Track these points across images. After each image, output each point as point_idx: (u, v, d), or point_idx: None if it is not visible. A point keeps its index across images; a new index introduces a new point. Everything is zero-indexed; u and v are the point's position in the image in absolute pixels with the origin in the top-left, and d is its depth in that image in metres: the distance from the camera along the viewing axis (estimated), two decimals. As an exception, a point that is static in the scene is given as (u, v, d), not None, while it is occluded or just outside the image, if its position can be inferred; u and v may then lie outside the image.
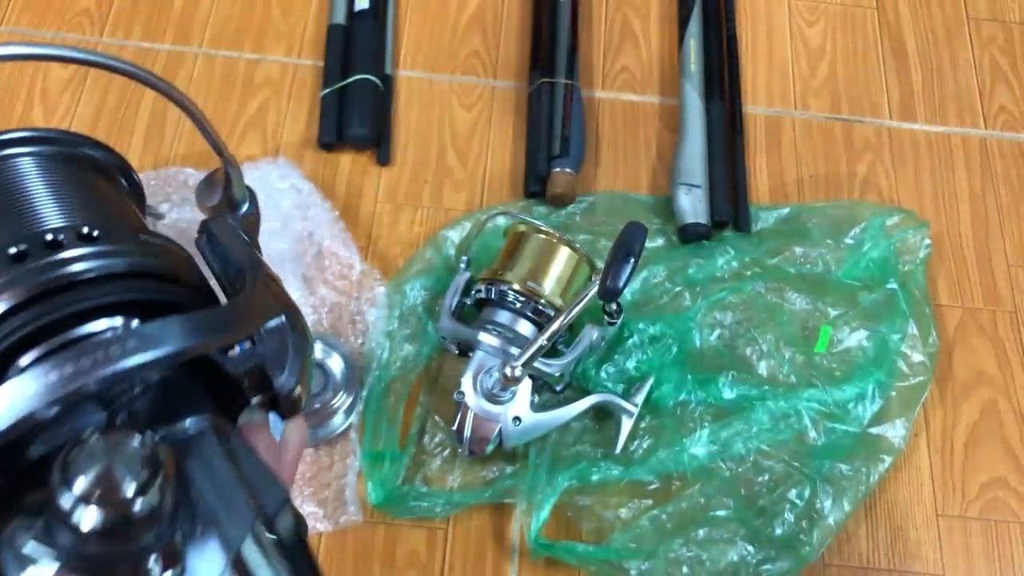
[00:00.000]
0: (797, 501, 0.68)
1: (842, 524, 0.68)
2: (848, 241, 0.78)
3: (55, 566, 0.23)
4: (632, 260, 0.60)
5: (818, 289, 0.76)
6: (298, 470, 0.68)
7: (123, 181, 0.42)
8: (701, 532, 0.66)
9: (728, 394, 0.71)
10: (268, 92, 0.85)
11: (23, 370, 0.28)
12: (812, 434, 0.70)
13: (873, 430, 0.70)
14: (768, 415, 0.71)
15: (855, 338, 0.74)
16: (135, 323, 0.30)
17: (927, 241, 0.79)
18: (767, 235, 0.79)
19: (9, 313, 0.28)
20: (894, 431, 0.71)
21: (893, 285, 0.75)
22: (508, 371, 0.60)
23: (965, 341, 0.78)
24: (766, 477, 0.69)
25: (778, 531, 0.67)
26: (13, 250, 0.30)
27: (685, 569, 0.65)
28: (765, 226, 0.80)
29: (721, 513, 0.67)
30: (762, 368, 0.73)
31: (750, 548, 0.66)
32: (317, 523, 0.67)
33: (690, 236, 0.77)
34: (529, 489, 0.67)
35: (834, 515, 0.68)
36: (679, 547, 0.65)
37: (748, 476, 0.69)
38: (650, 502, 0.68)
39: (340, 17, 0.86)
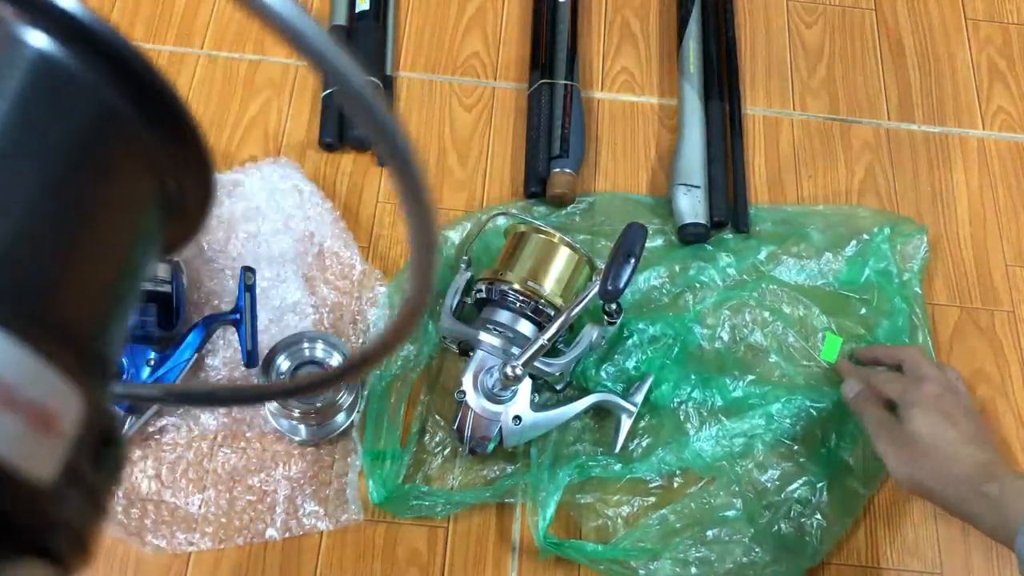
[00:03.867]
0: (804, 501, 0.68)
1: (848, 525, 0.69)
2: (848, 252, 0.78)
3: None
4: (633, 261, 0.60)
5: (817, 297, 0.76)
6: (299, 468, 0.69)
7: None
8: (710, 532, 0.67)
9: (730, 393, 0.72)
10: (270, 93, 0.85)
11: None
12: (817, 434, 0.71)
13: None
14: (771, 414, 0.71)
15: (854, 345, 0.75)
16: None
17: (925, 247, 0.79)
18: (766, 238, 0.79)
19: None
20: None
21: (897, 300, 0.76)
22: (509, 370, 0.60)
23: (963, 341, 0.78)
24: (773, 476, 0.69)
25: (785, 531, 0.67)
26: None
27: (693, 569, 0.65)
28: (764, 227, 0.80)
29: (730, 513, 0.67)
30: (763, 367, 0.73)
31: (758, 549, 0.66)
32: (318, 522, 0.67)
33: (689, 236, 0.78)
34: (533, 487, 0.67)
35: (840, 516, 0.68)
36: (688, 547, 0.66)
37: (754, 476, 0.69)
38: (651, 500, 0.69)
39: (341, 18, 0.87)
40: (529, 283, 0.66)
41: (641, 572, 0.65)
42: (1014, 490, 0.55)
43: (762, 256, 0.77)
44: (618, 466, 0.69)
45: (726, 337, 0.74)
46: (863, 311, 0.76)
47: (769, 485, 0.69)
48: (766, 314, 0.75)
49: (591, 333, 0.68)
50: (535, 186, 0.80)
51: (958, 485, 0.58)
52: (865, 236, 0.78)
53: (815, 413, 0.71)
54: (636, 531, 0.67)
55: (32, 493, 0.18)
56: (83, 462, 0.20)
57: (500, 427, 0.65)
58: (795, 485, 0.69)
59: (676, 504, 0.68)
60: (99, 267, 0.22)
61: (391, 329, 0.24)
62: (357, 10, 0.87)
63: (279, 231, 0.75)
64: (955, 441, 0.59)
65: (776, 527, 0.67)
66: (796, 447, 0.70)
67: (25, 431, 0.18)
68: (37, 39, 0.20)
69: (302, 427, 0.69)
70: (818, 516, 0.68)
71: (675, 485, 0.69)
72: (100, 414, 0.20)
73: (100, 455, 0.21)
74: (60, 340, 0.19)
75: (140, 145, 0.23)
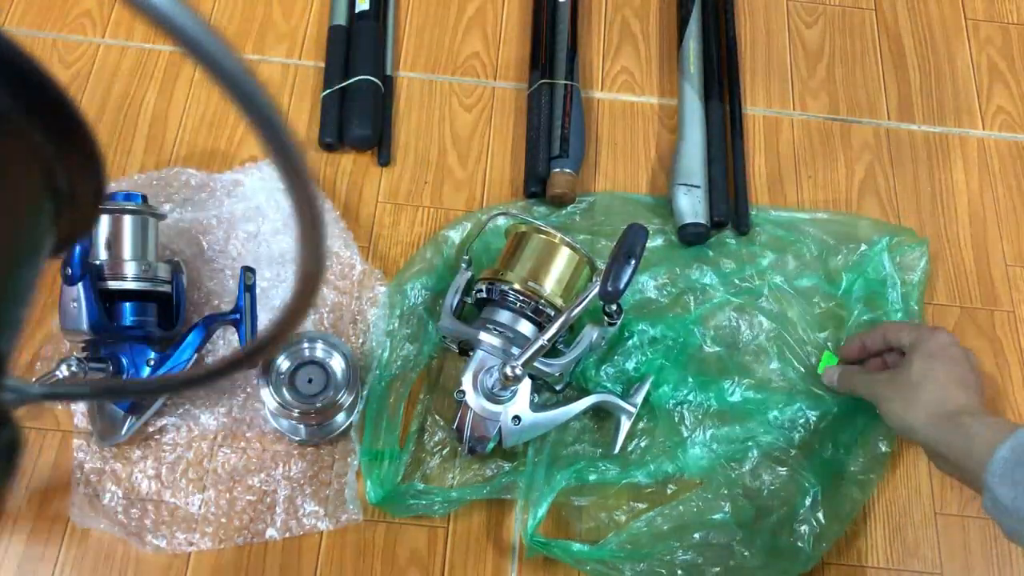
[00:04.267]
0: (796, 507, 0.68)
1: (840, 532, 0.68)
2: (847, 263, 0.77)
3: None
4: (633, 262, 0.60)
5: (816, 306, 0.76)
6: (299, 468, 0.69)
7: None
8: (697, 536, 0.66)
9: (727, 397, 0.72)
10: (269, 93, 0.85)
11: None
12: (814, 441, 0.70)
13: (872, 437, 0.71)
14: (768, 420, 0.71)
15: None
16: None
17: (925, 260, 0.78)
18: (767, 244, 0.78)
19: None
20: (891, 442, 0.71)
21: (893, 313, 0.75)
22: (508, 370, 0.60)
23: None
24: (766, 482, 0.69)
25: (776, 537, 0.67)
26: None
27: (680, 572, 0.65)
28: (764, 231, 0.80)
29: (718, 517, 0.67)
30: (762, 373, 0.73)
31: (746, 554, 0.66)
32: (318, 522, 0.67)
33: (689, 236, 0.78)
34: (527, 487, 0.67)
35: (835, 522, 0.68)
36: (675, 550, 0.66)
37: (747, 481, 0.69)
38: (646, 504, 0.68)
39: (341, 18, 0.87)
40: (529, 283, 0.66)
41: (628, 574, 0.65)
42: (986, 423, 0.56)
43: (763, 263, 0.77)
44: (615, 471, 0.68)
45: (727, 339, 0.74)
46: (862, 320, 0.76)
47: (762, 491, 0.69)
48: (767, 319, 0.75)
49: (591, 334, 0.68)
50: (535, 186, 0.80)
51: (938, 420, 0.59)
52: (864, 247, 0.78)
53: (813, 420, 0.71)
54: (623, 533, 0.66)
55: None
56: None
57: (499, 427, 0.65)
58: (788, 491, 0.69)
59: (664, 507, 0.67)
60: None
61: (288, 308, 0.24)
62: (357, 10, 0.87)
63: (279, 231, 0.75)
64: (944, 382, 0.61)
65: (767, 533, 0.67)
66: (792, 453, 0.70)
67: None
68: None
69: (302, 427, 0.69)
70: (812, 522, 0.67)
71: (668, 491, 0.69)
72: None
73: None
74: None
75: (21, 136, 0.23)
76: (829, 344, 0.75)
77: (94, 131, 0.23)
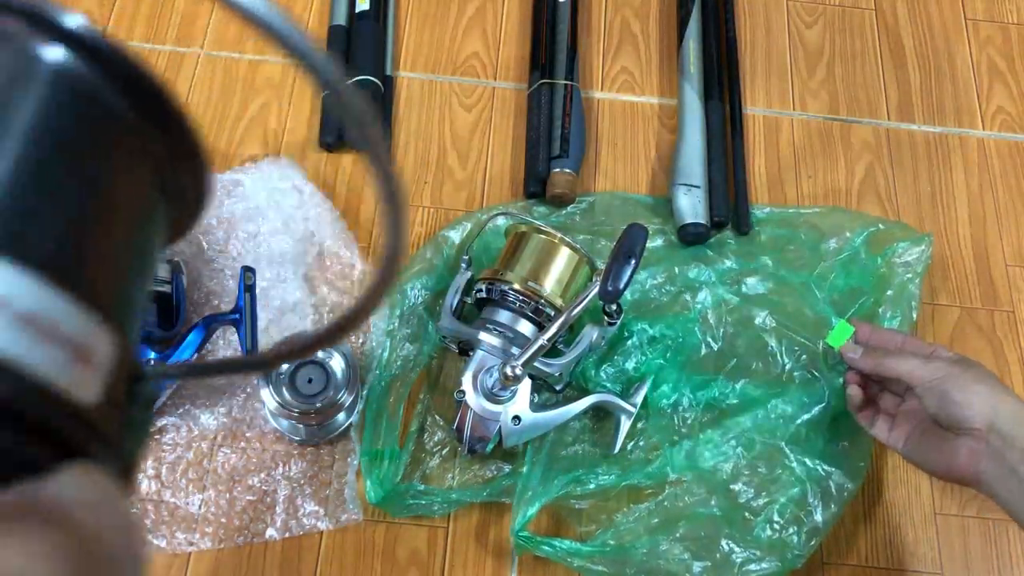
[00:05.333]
0: (786, 503, 0.68)
1: (832, 523, 0.68)
2: (843, 257, 0.77)
3: None
4: (633, 262, 0.60)
5: (815, 301, 0.76)
6: (299, 468, 0.69)
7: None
8: (686, 530, 0.66)
9: (726, 396, 0.72)
10: (270, 93, 0.85)
11: None
12: (810, 435, 0.71)
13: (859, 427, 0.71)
14: (764, 415, 0.71)
15: None
16: None
17: (927, 255, 0.77)
18: (767, 241, 0.79)
19: None
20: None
21: (889, 308, 0.75)
22: (508, 370, 0.60)
23: (963, 341, 0.78)
24: (759, 478, 0.69)
25: (765, 532, 0.67)
26: None
27: (668, 567, 0.65)
28: (764, 229, 0.80)
29: (706, 511, 0.67)
30: (760, 369, 0.73)
31: (736, 547, 0.66)
32: (318, 522, 0.67)
33: (689, 236, 0.78)
34: (521, 487, 0.67)
35: (827, 514, 0.68)
36: (663, 544, 0.65)
37: (740, 477, 0.69)
38: (643, 504, 0.68)
39: (341, 18, 0.87)
40: (529, 283, 0.67)
41: (615, 568, 0.64)
42: None
43: (762, 260, 0.77)
44: (614, 476, 0.68)
45: (726, 338, 0.74)
46: (859, 310, 0.75)
47: (754, 486, 0.69)
48: (765, 315, 0.75)
49: (591, 333, 0.68)
50: (535, 186, 0.80)
51: (1015, 407, 0.57)
52: (859, 241, 0.78)
53: (809, 415, 0.71)
54: (610, 528, 0.66)
55: (79, 412, 0.21)
56: (118, 393, 0.23)
57: (499, 427, 0.65)
58: (781, 486, 0.68)
59: (651, 502, 0.67)
60: (116, 244, 0.25)
61: (372, 286, 0.25)
62: (357, 10, 0.87)
63: (279, 231, 0.75)
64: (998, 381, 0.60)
65: (758, 528, 0.67)
66: (786, 448, 0.70)
67: (68, 361, 0.21)
68: (53, 54, 0.23)
69: (302, 427, 0.69)
70: (803, 517, 0.67)
71: (666, 490, 0.69)
72: (128, 356, 0.24)
73: (132, 391, 0.24)
74: (91, 297, 0.23)
75: (138, 138, 0.25)
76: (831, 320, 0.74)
77: (199, 132, 0.26)
